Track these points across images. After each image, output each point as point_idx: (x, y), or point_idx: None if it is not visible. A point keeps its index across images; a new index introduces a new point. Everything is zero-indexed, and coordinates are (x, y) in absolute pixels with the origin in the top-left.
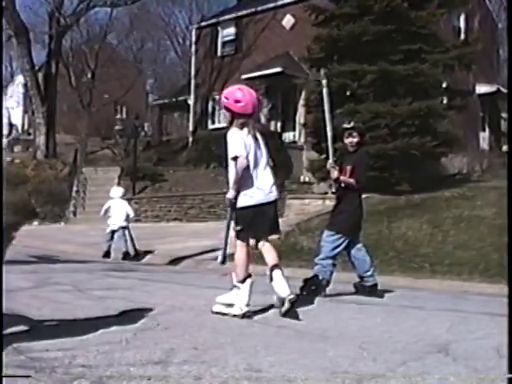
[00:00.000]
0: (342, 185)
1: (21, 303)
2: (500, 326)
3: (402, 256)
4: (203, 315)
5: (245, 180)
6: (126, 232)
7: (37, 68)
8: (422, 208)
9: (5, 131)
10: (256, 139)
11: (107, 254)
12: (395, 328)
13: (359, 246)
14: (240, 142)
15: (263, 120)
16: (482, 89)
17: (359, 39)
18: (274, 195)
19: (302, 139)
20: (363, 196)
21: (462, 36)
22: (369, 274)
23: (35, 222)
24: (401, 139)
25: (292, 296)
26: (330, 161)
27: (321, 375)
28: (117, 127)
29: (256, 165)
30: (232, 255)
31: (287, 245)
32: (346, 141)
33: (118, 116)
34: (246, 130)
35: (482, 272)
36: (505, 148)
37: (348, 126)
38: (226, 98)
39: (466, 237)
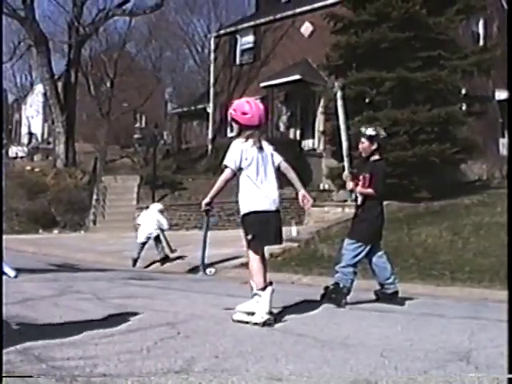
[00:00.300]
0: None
1: (42, 311)
2: None
3: (421, 263)
4: (223, 323)
5: (251, 188)
6: (161, 237)
7: (56, 77)
8: (441, 215)
9: (25, 140)
10: (262, 150)
11: (135, 262)
12: (416, 336)
13: (380, 253)
14: (235, 155)
15: (282, 128)
16: (501, 95)
17: (378, 46)
18: (278, 205)
19: (321, 147)
20: (384, 203)
21: (481, 42)
22: (390, 281)
23: (55, 231)
24: (420, 146)
25: (271, 318)
26: (346, 172)
27: (342, 383)
28: (136, 136)
29: (260, 174)
30: (246, 264)
31: (307, 252)
32: (359, 147)
33: (137, 125)
34: (250, 141)
35: (502, 279)
36: None
37: (365, 133)
38: (234, 111)
39: (486, 244)
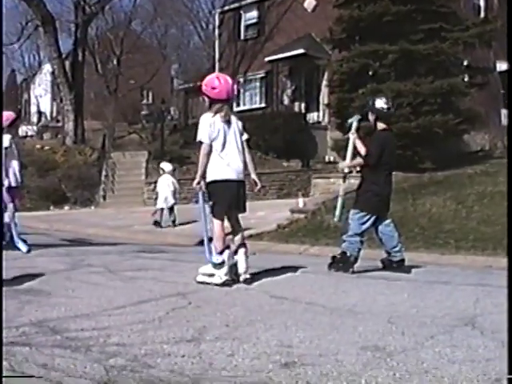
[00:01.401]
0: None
1: (56, 285)
2: None
3: (426, 232)
4: (233, 293)
5: (215, 159)
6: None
7: (64, 56)
8: (445, 185)
9: (34, 119)
10: (229, 124)
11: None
12: (422, 303)
13: (387, 222)
14: (205, 128)
15: (287, 101)
16: (502, 66)
17: (380, 19)
18: (241, 176)
19: (326, 119)
20: None
21: (482, 14)
22: (396, 249)
23: (66, 207)
24: (423, 117)
25: (248, 277)
26: (341, 164)
27: (351, 349)
28: (143, 112)
29: (225, 147)
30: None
31: (314, 223)
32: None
33: (144, 101)
34: (218, 115)
35: (505, 247)
36: None
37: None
38: (205, 86)
39: (489, 212)
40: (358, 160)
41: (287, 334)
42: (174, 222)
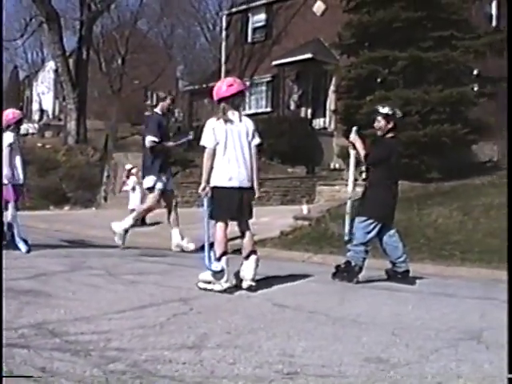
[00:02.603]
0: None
1: (56, 287)
2: None
3: (432, 243)
4: (235, 300)
5: (217, 164)
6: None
7: (68, 54)
8: (452, 195)
9: (36, 117)
10: (234, 126)
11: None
12: (427, 315)
13: (391, 232)
14: (208, 133)
15: (293, 106)
16: None
17: (390, 25)
18: (245, 183)
19: (333, 125)
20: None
21: (494, 22)
22: (401, 260)
23: (66, 207)
24: (431, 126)
25: (253, 284)
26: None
27: (354, 361)
28: (147, 113)
29: (227, 152)
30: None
31: (318, 231)
32: (375, 125)
33: (148, 102)
34: (222, 118)
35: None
36: None
37: (382, 111)
38: (220, 88)
39: (496, 224)
40: (362, 152)
41: (290, 343)
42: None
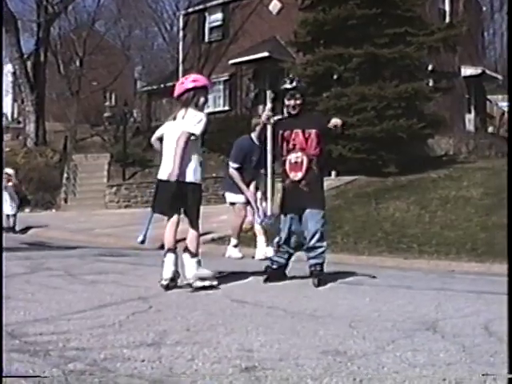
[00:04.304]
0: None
1: (16, 288)
2: (487, 304)
3: (390, 237)
4: (194, 297)
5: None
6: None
7: (25, 56)
8: (409, 189)
9: None
10: (175, 123)
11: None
12: (384, 307)
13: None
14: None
15: (249, 104)
16: (467, 71)
17: (345, 23)
18: (169, 175)
19: None
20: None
21: (447, 18)
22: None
23: (26, 210)
24: (387, 121)
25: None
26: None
27: (312, 354)
28: (106, 114)
29: (165, 147)
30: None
31: (276, 227)
32: (288, 103)
33: (107, 103)
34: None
35: (469, 251)
36: (490, 129)
37: (289, 87)
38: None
39: (453, 217)
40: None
41: (248, 338)
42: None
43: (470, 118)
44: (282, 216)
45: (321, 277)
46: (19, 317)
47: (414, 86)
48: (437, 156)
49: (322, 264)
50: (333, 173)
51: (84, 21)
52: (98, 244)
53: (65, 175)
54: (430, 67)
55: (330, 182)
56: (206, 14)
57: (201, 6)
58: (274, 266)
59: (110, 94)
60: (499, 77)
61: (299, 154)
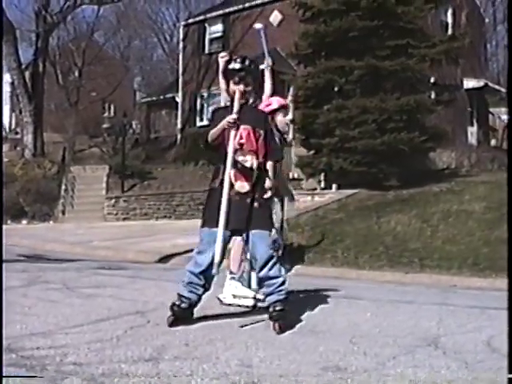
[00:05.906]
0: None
1: (12, 302)
2: (490, 319)
3: (391, 251)
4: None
5: None
6: None
7: (24, 66)
8: (410, 203)
9: None
10: None
11: None
12: (385, 322)
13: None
14: None
15: None
16: (469, 83)
17: (346, 35)
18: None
19: (291, 135)
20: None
21: (450, 31)
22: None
23: (24, 221)
24: (389, 134)
25: None
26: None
27: (312, 370)
28: (105, 125)
29: None
30: None
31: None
32: (236, 87)
33: (106, 114)
34: None
35: (471, 266)
36: (493, 142)
37: (238, 67)
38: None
39: (454, 231)
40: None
41: (247, 353)
42: None
43: (472, 131)
44: (207, 231)
45: (282, 320)
46: (16, 330)
47: (415, 99)
48: (438, 169)
49: (282, 301)
50: (333, 186)
51: (83, 31)
52: (96, 257)
53: (63, 187)
54: (431, 80)
55: (331, 195)
56: (207, 25)
57: (201, 17)
58: (184, 305)
59: (108, 105)
60: (502, 89)
61: (248, 157)
